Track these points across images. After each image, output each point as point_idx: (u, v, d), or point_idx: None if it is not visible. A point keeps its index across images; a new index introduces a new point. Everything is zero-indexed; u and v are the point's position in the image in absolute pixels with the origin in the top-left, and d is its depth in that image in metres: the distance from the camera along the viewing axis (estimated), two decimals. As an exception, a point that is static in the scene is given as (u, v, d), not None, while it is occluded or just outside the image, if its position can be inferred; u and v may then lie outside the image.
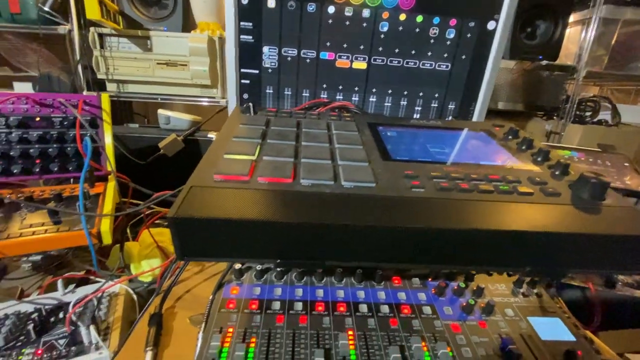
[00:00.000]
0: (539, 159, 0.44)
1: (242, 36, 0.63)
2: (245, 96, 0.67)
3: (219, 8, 1.16)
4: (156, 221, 0.82)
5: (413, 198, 0.33)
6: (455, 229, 0.29)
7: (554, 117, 1.34)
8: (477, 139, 0.51)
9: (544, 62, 1.21)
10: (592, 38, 1.26)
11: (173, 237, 0.28)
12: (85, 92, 1.17)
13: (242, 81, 0.66)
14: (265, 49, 0.64)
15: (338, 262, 0.31)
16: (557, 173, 0.41)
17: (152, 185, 0.76)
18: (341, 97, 0.68)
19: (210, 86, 1.16)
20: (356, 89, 0.68)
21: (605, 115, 1.42)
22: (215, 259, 0.30)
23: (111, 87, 1.18)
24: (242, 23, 0.62)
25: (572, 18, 1.34)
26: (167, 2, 1.14)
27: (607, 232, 0.31)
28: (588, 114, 1.36)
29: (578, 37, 1.37)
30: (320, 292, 0.47)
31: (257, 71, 0.65)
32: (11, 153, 0.65)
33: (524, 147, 0.47)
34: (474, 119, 0.70)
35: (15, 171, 0.65)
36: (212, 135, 1.05)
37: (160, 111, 1.07)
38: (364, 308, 0.46)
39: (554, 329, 0.46)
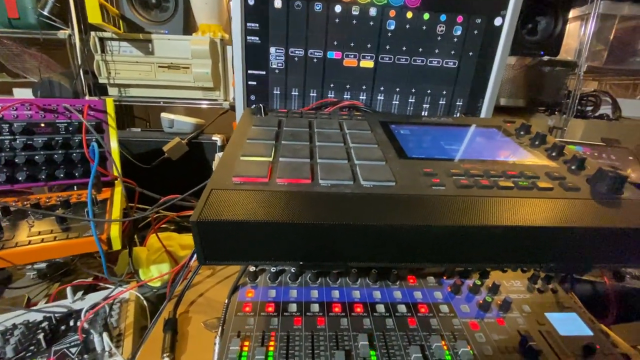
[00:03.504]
0: (554, 154, 0.44)
1: (248, 37, 0.63)
2: (253, 97, 0.67)
3: (220, 10, 1.16)
4: (162, 225, 0.82)
5: (434, 196, 0.33)
6: (480, 226, 0.29)
7: (556, 113, 1.35)
8: (489, 135, 0.51)
9: (546, 58, 1.21)
10: (592, 33, 1.27)
11: (195, 241, 0.27)
12: (87, 97, 1.16)
13: (249, 82, 0.66)
14: (272, 49, 0.64)
15: (361, 263, 0.31)
16: (573, 168, 0.41)
17: (157, 189, 0.76)
18: (348, 97, 0.68)
19: (213, 89, 1.16)
20: (364, 87, 0.67)
21: (605, 109, 1.42)
22: (237, 262, 0.30)
23: (113, 91, 1.17)
24: (248, 24, 0.62)
25: (572, 14, 1.34)
26: (167, 4, 1.14)
27: (631, 225, 0.31)
28: (589, 108, 1.36)
29: (577, 32, 1.37)
30: (336, 293, 0.47)
31: (264, 72, 0.65)
32: (16, 160, 0.64)
33: (537, 143, 0.47)
34: (482, 115, 0.70)
35: (20, 178, 0.64)
36: (216, 137, 1.05)
37: (163, 115, 1.06)
38: (381, 308, 0.45)
39: (571, 324, 0.46)
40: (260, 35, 0.62)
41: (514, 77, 1.31)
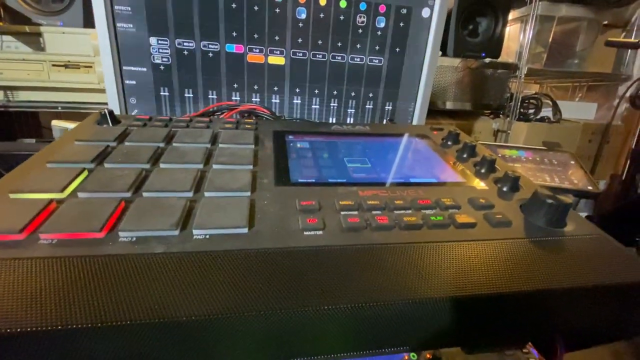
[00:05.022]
0: (483, 170, 0.35)
1: (119, 24, 0.49)
2: (133, 101, 0.53)
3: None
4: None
5: (301, 250, 0.21)
6: (352, 307, 0.18)
7: (500, 116, 1.33)
8: (410, 147, 0.41)
9: (487, 60, 1.18)
10: (531, 35, 1.26)
11: None
12: (-44, 102, 0.94)
13: (127, 82, 0.52)
14: (153, 40, 0.50)
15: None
16: (505, 189, 0.32)
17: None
18: (257, 100, 0.56)
19: (124, 91, 0.99)
20: (275, 89, 0.56)
21: (546, 112, 1.43)
22: None
23: (-4, 94, 0.96)
24: (117, 7, 0.48)
25: (511, 16, 1.33)
26: (63, -8, 0.96)
27: (575, 283, 0.21)
28: (531, 111, 1.36)
29: (518, 35, 1.37)
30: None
31: (144, 69, 0.51)
32: None
33: (465, 156, 0.38)
34: (414, 121, 0.61)
35: None
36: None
37: (54, 123, 0.88)
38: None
39: (513, 378, 0.38)
40: (135, 21, 0.49)
41: (459, 80, 1.27)
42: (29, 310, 0.16)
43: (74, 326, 0.16)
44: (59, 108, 0.99)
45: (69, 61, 0.94)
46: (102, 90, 0.99)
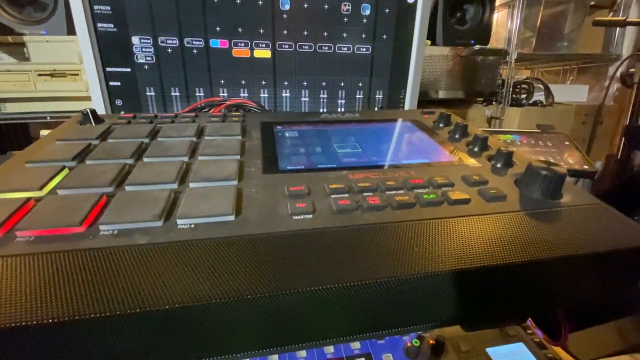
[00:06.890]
0: (476, 149, 0.34)
1: (99, 24, 0.48)
2: (119, 102, 0.52)
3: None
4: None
5: (291, 233, 0.21)
6: (341, 287, 0.18)
7: (493, 102, 1.32)
8: (401, 130, 0.40)
9: (477, 47, 1.18)
10: (519, 20, 1.26)
11: None
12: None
13: (111, 83, 0.51)
14: (135, 39, 0.49)
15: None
16: (498, 166, 0.31)
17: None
18: (246, 94, 0.55)
19: (113, 97, 0.98)
20: (263, 83, 0.55)
21: (539, 96, 1.44)
22: None
23: (-17, 108, 0.95)
24: (96, 7, 0.47)
25: (498, 1, 1.33)
26: (45, 1, 0.94)
27: (574, 250, 0.21)
28: (523, 96, 1.36)
29: (505, 20, 1.37)
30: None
31: (128, 69, 0.51)
32: None
33: (457, 136, 0.37)
34: (406, 107, 0.61)
35: None
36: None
37: (43, 133, 0.87)
38: (274, 378, 0.33)
39: (517, 358, 0.37)
40: (116, 20, 0.48)
41: (451, 68, 1.27)
42: (10, 307, 0.15)
43: (58, 320, 0.15)
44: (48, 118, 0.98)
45: (54, 70, 0.93)
46: (91, 98, 0.98)
